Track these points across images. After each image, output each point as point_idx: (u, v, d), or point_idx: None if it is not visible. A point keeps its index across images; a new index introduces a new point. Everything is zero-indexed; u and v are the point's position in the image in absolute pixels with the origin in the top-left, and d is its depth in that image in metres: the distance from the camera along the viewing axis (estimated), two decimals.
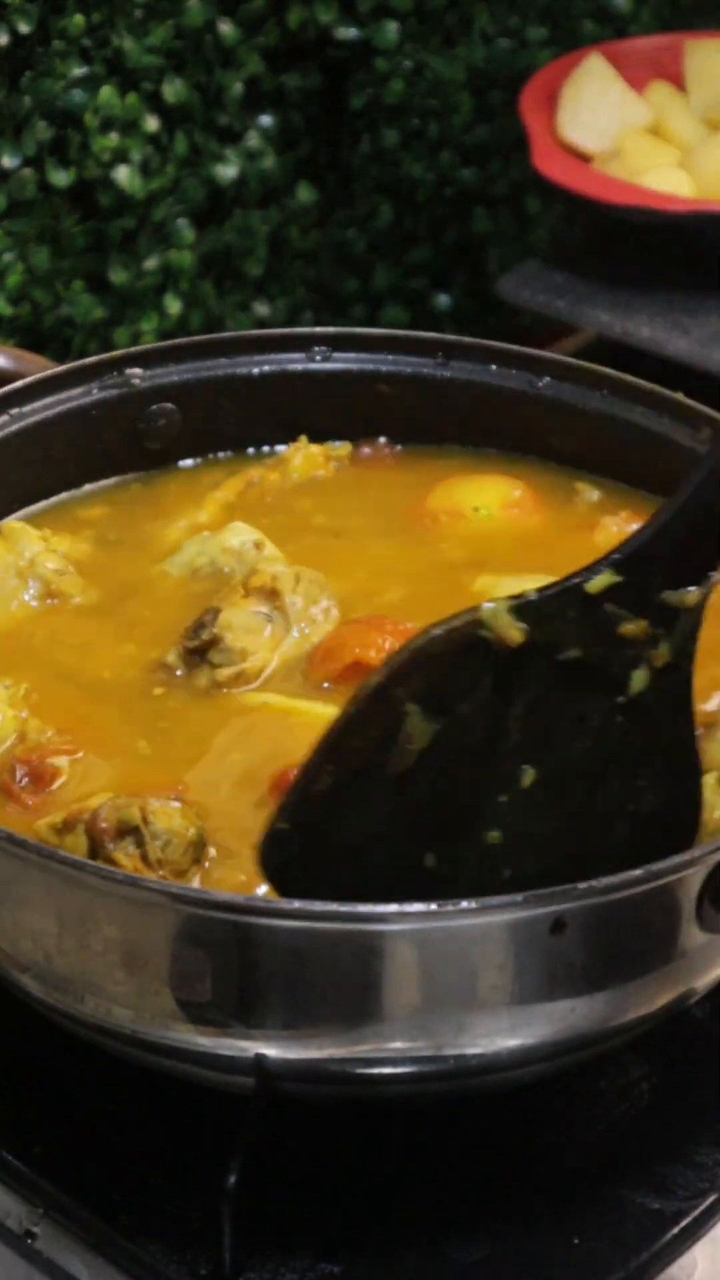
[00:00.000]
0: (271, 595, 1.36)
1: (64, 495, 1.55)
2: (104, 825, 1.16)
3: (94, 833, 1.17)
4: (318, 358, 1.60)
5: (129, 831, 1.17)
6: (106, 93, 1.91)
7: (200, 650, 1.34)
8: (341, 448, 1.59)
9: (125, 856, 1.17)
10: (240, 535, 1.45)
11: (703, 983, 1.19)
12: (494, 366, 1.59)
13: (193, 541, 1.47)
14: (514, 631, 1.09)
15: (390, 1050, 1.11)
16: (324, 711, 1.26)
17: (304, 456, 1.57)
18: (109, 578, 1.46)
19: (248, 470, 1.57)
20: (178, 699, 1.33)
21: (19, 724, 1.29)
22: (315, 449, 1.58)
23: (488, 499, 1.53)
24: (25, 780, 1.25)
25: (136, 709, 1.33)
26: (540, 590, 1.10)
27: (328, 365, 1.60)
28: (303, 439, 1.58)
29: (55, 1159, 1.24)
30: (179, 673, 1.34)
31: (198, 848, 1.19)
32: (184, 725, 1.32)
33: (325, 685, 1.33)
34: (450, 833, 1.12)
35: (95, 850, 1.18)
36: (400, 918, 1.08)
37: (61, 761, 1.26)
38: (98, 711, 1.32)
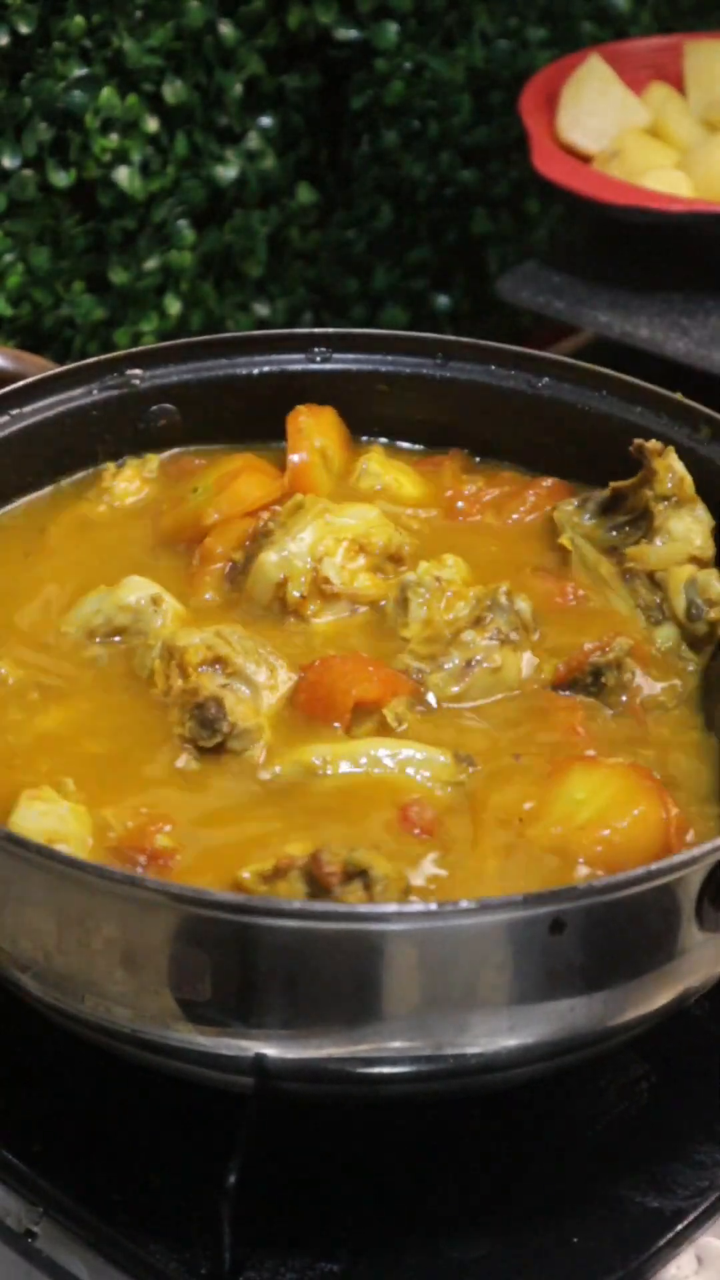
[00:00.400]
0: (219, 662, 1.32)
1: None
2: (330, 870, 1.15)
3: (320, 876, 1.15)
4: (317, 358, 1.60)
5: (357, 874, 1.15)
6: (107, 93, 1.91)
7: (219, 746, 1.29)
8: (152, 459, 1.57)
9: (354, 898, 1.15)
10: (136, 591, 1.40)
11: (702, 982, 1.19)
12: (493, 367, 1.59)
13: (89, 599, 1.41)
14: None
15: (390, 1050, 1.11)
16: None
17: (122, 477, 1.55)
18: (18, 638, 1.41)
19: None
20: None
21: (94, 816, 1.23)
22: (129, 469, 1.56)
23: (207, 479, 1.53)
24: (146, 865, 1.20)
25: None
26: None
27: (327, 365, 1.60)
28: (110, 466, 1.55)
29: (55, 1158, 1.24)
30: (190, 765, 1.29)
31: (406, 894, 1.17)
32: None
33: (335, 726, 1.31)
34: None
35: (316, 894, 1.15)
36: (400, 918, 1.08)
37: (164, 839, 1.22)
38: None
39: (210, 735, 1.29)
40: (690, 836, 1.23)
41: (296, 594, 1.40)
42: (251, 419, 1.59)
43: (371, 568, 1.43)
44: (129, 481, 1.55)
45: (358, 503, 1.48)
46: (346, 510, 1.45)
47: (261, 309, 2.15)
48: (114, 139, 1.93)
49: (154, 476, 1.56)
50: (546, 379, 1.57)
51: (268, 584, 1.41)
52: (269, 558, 1.41)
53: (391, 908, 1.09)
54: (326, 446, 1.55)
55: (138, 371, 1.56)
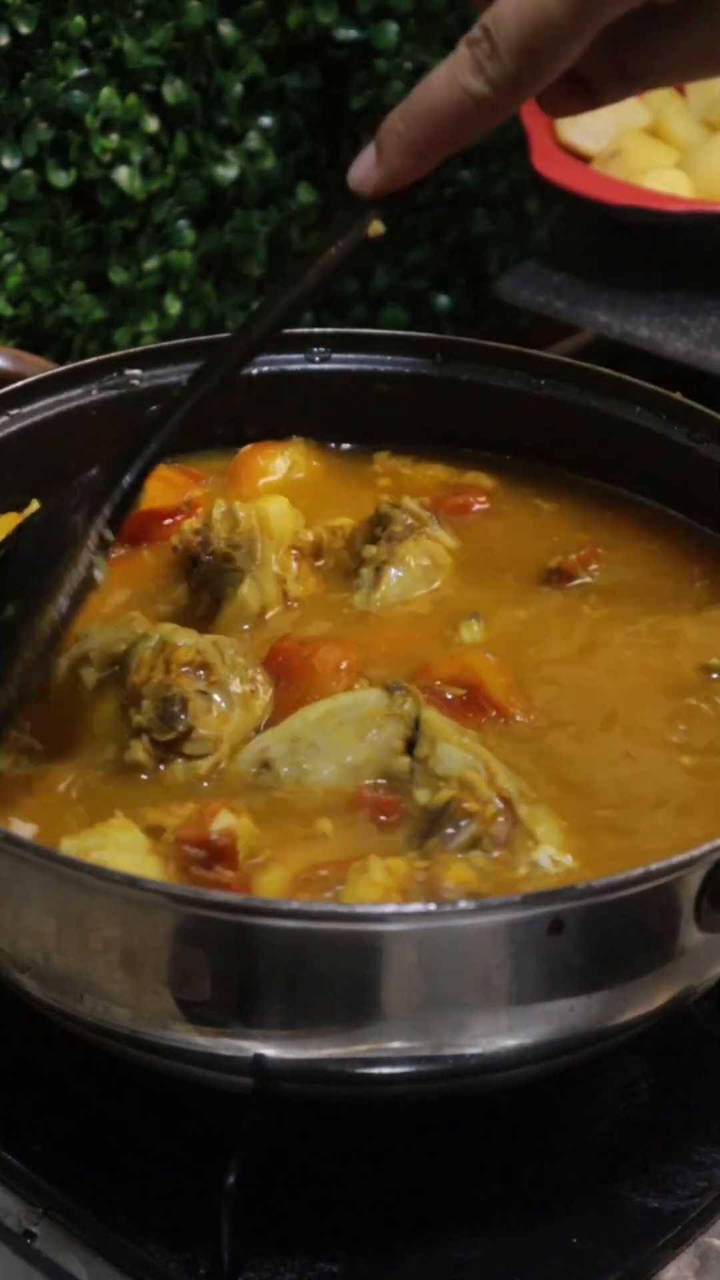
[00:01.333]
0: (204, 668, 1.30)
1: None
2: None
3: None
4: (316, 358, 1.60)
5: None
6: (107, 93, 1.91)
7: (171, 744, 1.27)
8: None
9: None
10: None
11: (701, 982, 1.19)
12: (493, 367, 1.59)
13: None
14: None
15: (389, 1050, 1.11)
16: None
17: None
18: None
19: None
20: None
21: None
22: None
23: None
24: (205, 861, 1.18)
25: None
26: None
27: (326, 365, 1.60)
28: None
29: (55, 1158, 1.24)
30: (145, 773, 1.27)
31: None
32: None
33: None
34: None
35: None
36: (399, 918, 1.08)
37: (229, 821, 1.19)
38: None
39: (165, 729, 1.26)
40: None
41: (270, 615, 1.41)
42: (250, 419, 1.59)
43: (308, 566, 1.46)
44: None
45: (267, 498, 1.47)
46: (269, 514, 1.44)
47: None
48: (114, 139, 1.93)
49: None
50: (546, 379, 1.57)
51: (249, 614, 1.41)
52: (244, 591, 1.41)
53: (390, 908, 1.09)
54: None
55: (137, 372, 1.56)
